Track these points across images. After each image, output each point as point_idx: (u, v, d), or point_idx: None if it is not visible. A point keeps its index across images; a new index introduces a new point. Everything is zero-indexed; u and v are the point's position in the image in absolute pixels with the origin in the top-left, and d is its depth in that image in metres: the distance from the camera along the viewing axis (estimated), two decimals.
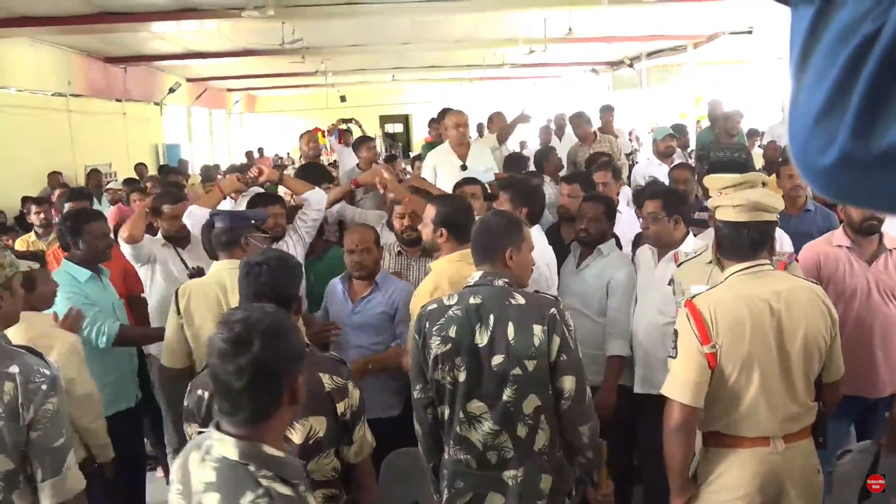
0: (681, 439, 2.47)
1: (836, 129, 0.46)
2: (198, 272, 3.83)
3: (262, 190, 4.80)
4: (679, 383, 2.45)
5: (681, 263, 3.31)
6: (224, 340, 1.63)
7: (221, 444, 1.62)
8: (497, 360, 2.45)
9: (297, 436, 2.26)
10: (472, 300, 2.50)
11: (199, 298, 3.24)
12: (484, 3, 9.11)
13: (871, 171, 0.45)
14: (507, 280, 2.53)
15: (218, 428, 1.66)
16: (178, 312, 3.24)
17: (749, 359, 2.43)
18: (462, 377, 2.48)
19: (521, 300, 2.48)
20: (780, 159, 6.66)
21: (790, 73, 0.50)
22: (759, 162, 8.58)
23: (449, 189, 4.46)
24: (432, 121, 9.05)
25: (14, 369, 2.25)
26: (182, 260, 4.26)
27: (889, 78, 0.43)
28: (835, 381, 2.68)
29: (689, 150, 9.05)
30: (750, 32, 12.37)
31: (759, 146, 9.76)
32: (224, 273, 3.27)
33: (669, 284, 3.49)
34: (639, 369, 3.64)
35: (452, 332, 2.48)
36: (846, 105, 0.45)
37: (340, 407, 2.28)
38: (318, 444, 2.24)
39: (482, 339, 2.47)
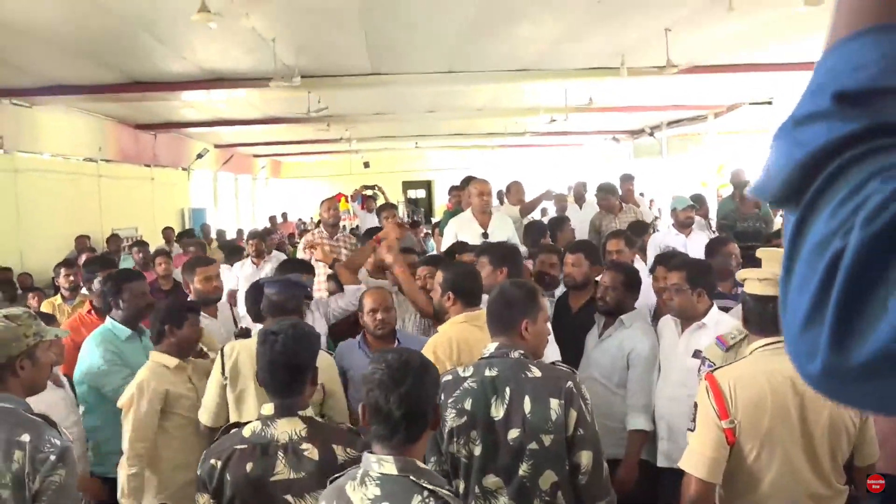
0: None
1: (818, 340, 0.47)
2: (244, 333, 3.84)
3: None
4: (696, 457, 2.41)
5: (729, 348, 3.18)
6: (386, 373, 1.90)
7: (381, 464, 1.87)
8: (513, 433, 2.41)
9: None
10: (487, 372, 2.49)
11: (246, 360, 3.17)
12: (504, 76, 9.29)
13: (854, 382, 0.46)
14: (522, 352, 2.51)
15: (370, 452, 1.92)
16: (223, 372, 3.20)
17: (770, 436, 2.38)
18: (478, 451, 2.44)
19: (538, 373, 2.46)
20: None
21: (782, 268, 0.52)
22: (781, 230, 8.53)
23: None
24: (453, 188, 9.14)
25: (25, 438, 2.25)
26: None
27: (856, 295, 0.45)
28: (869, 464, 2.60)
29: (709, 219, 9.03)
30: (770, 103, 12.49)
31: (781, 215, 9.71)
32: None
33: (694, 357, 3.45)
34: (662, 443, 3.57)
35: (468, 405, 2.46)
36: (824, 317, 0.47)
37: None
38: None
39: (498, 412, 2.44)
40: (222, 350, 3.28)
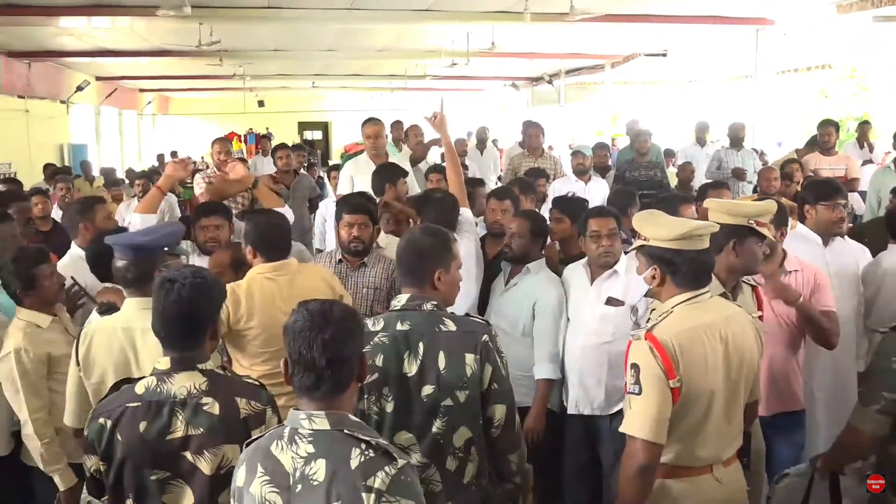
0: (647, 480, 2.36)
1: None
2: (109, 308, 3.02)
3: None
4: (646, 421, 2.33)
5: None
6: (308, 320, 1.83)
7: (312, 420, 1.80)
8: (427, 390, 2.36)
9: (206, 466, 2.11)
10: (399, 326, 2.40)
11: (101, 347, 2.75)
12: (407, 15, 9.06)
13: None
14: (435, 303, 2.44)
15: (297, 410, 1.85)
16: (77, 362, 2.78)
17: (708, 390, 2.40)
18: (390, 408, 2.38)
19: (453, 326, 2.40)
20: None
21: None
22: (673, 181, 8.80)
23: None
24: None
25: None
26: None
27: None
28: (754, 400, 2.72)
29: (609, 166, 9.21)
30: (664, 55, 12.78)
31: (674, 165, 10.02)
32: (134, 316, 2.76)
33: (608, 304, 3.49)
34: (573, 390, 3.60)
35: (379, 361, 2.37)
36: None
37: (256, 434, 2.15)
38: (229, 476, 2.05)
39: (411, 368, 2.37)
40: (78, 336, 2.87)
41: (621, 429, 2.40)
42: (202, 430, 2.11)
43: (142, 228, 3.60)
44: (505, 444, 2.43)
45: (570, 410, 3.62)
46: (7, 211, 4.55)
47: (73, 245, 4.07)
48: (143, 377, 2.22)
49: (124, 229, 3.82)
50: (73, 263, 3.87)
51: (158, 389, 2.14)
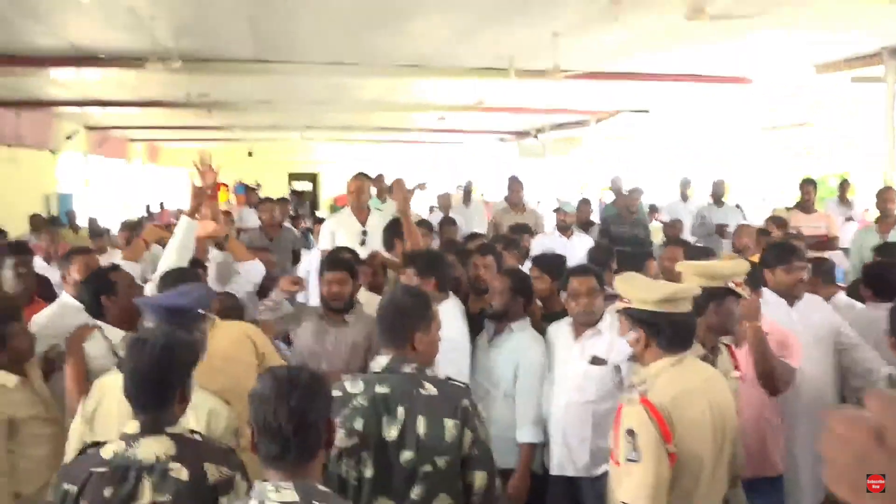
0: None
1: None
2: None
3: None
4: (647, 490, 2.28)
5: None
6: (273, 387, 1.81)
7: (279, 490, 1.76)
8: (406, 455, 2.31)
9: None
10: (378, 389, 2.37)
11: (113, 405, 2.60)
12: (394, 70, 9.18)
13: None
14: (416, 366, 2.42)
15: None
16: (84, 419, 2.69)
17: (699, 454, 2.39)
18: (368, 473, 2.33)
19: (433, 390, 2.37)
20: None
21: None
22: (657, 236, 8.86)
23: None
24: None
25: None
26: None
27: None
28: (739, 463, 2.71)
29: (591, 220, 9.28)
30: (647, 111, 13.00)
31: (657, 220, 10.11)
32: None
33: (593, 363, 3.46)
34: (556, 449, 3.55)
35: (358, 425, 2.34)
36: None
37: (224, 502, 2.09)
38: None
39: (391, 432, 2.33)
40: (86, 392, 2.80)
41: (620, 497, 2.35)
42: (169, 496, 2.05)
43: (175, 290, 3.22)
44: None
45: (554, 472, 3.56)
46: None
47: (64, 293, 4.01)
48: (109, 442, 2.16)
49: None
50: (61, 311, 3.81)
51: (126, 454, 2.09)
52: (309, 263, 6.24)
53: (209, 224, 4.40)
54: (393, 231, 4.69)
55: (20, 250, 4.51)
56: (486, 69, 9.07)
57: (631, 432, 2.34)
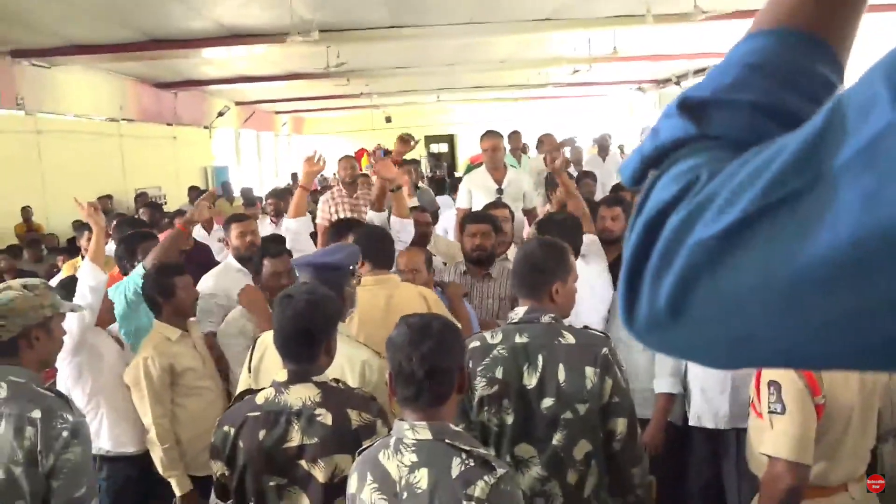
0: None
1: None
2: None
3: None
4: (792, 441, 2.21)
5: None
6: (407, 335, 1.91)
7: (415, 430, 1.88)
8: (547, 402, 2.34)
9: (321, 474, 2.20)
10: (518, 339, 2.40)
11: (274, 356, 2.69)
12: (526, 26, 9.07)
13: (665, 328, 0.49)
14: (553, 316, 2.43)
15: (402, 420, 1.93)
16: (249, 369, 2.85)
17: (848, 404, 2.28)
18: (510, 420, 2.38)
19: (572, 339, 2.38)
20: None
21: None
22: None
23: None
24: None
25: (36, 414, 2.23)
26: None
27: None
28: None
29: None
30: None
31: None
32: None
33: None
34: (695, 403, 3.49)
35: (499, 374, 2.38)
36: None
37: (366, 444, 2.22)
38: (343, 484, 2.13)
39: (531, 380, 2.37)
40: (254, 342, 2.96)
41: (762, 450, 2.28)
42: (316, 439, 2.20)
43: (325, 248, 3.54)
44: (626, 457, 2.38)
45: (693, 423, 3.50)
46: (152, 231, 4.93)
47: (229, 257, 4.34)
48: (264, 388, 2.34)
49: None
50: (225, 271, 4.19)
51: (276, 400, 2.25)
52: (447, 221, 6.35)
53: (390, 167, 4.49)
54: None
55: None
56: (621, 17, 8.78)
57: (774, 383, 2.25)
